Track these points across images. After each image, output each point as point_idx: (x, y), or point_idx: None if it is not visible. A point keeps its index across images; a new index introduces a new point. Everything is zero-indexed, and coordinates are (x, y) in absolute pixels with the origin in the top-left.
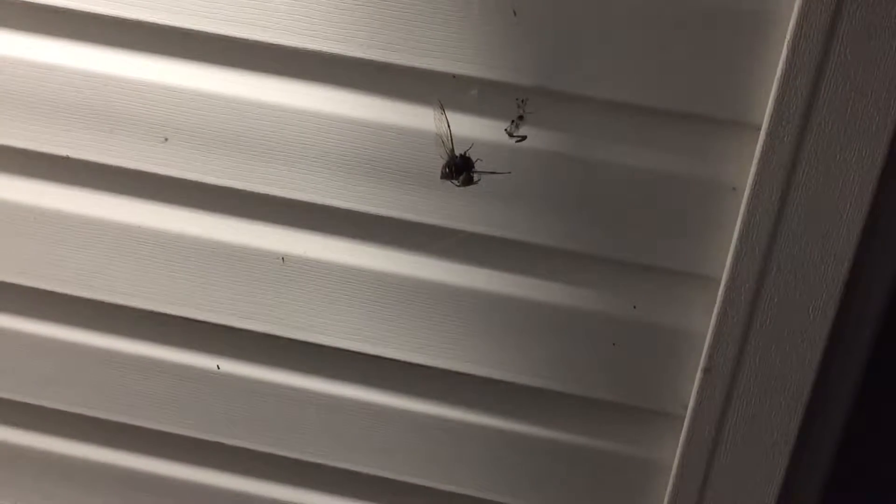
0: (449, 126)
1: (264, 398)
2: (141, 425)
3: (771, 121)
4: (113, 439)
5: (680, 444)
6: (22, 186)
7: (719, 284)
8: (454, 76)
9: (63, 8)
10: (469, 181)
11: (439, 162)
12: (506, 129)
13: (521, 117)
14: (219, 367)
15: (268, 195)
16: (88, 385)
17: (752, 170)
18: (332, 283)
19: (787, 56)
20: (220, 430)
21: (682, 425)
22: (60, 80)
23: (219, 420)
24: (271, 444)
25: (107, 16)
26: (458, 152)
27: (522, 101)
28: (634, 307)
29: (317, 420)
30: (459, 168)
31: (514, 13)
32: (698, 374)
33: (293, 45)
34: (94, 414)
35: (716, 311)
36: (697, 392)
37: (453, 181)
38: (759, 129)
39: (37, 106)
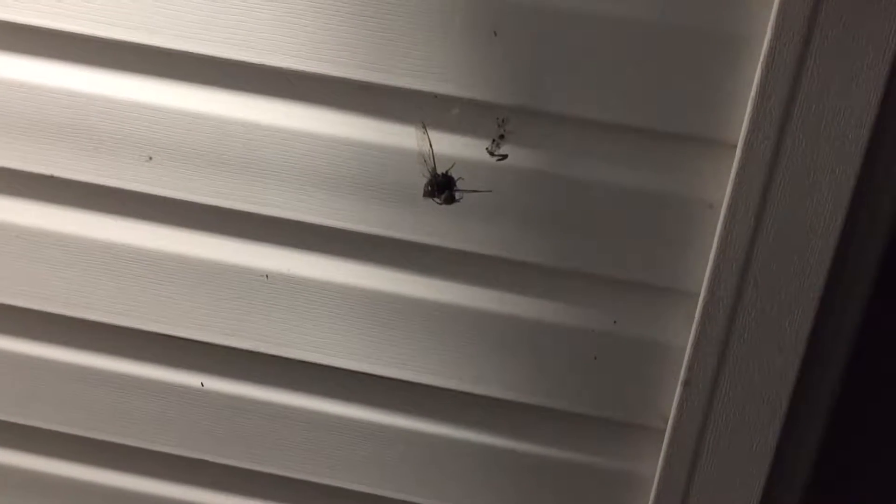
0: (431, 145)
1: (248, 415)
2: (123, 443)
3: (746, 139)
4: (95, 457)
5: (661, 457)
6: (5, 205)
7: (698, 299)
8: (436, 95)
9: (46, 28)
10: (451, 199)
11: (422, 180)
12: (487, 148)
13: (501, 136)
14: (203, 385)
15: (251, 213)
16: (69, 403)
17: (729, 187)
18: (316, 300)
19: (762, 75)
20: (204, 447)
21: (663, 438)
22: (45, 100)
23: (203, 437)
24: (255, 461)
25: (90, 36)
26: (439, 171)
27: (503, 120)
28: (615, 322)
29: (301, 436)
30: (441, 186)
31: (495, 33)
32: (678, 388)
33: (276, 65)
34: (76, 432)
35: (695, 325)
36: (677, 405)
37: (435, 199)
38: (735, 147)
39: (21, 125)
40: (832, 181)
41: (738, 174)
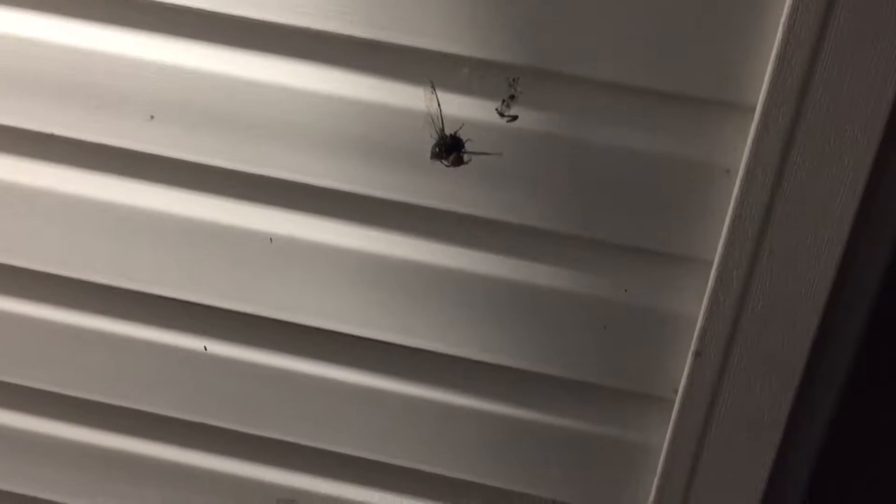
0: (439, 105)
1: (252, 379)
2: (126, 406)
3: (766, 102)
4: (97, 420)
5: (670, 428)
6: (5, 164)
7: (711, 267)
8: (445, 55)
9: None
10: (459, 161)
11: (429, 142)
12: (497, 109)
13: (512, 97)
14: (206, 349)
15: (256, 175)
16: (73, 365)
17: (746, 152)
18: (321, 264)
19: (783, 36)
20: (207, 411)
21: (673, 408)
22: (45, 57)
23: (206, 402)
24: (258, 425)
25: None
26: (448, 132)
27: (514, 80)
28: (625, 290)
29: (303, 401)
30: (449, 148)
31: None
32: (689, 358)
33: (281, 22)
34: (77, 394)
35: (707, 294)
36: (688, 375)
37: (443, 161)
38: (754, 110)
39: (21, 82)
40: (854, 147)
41: (756, 139)
